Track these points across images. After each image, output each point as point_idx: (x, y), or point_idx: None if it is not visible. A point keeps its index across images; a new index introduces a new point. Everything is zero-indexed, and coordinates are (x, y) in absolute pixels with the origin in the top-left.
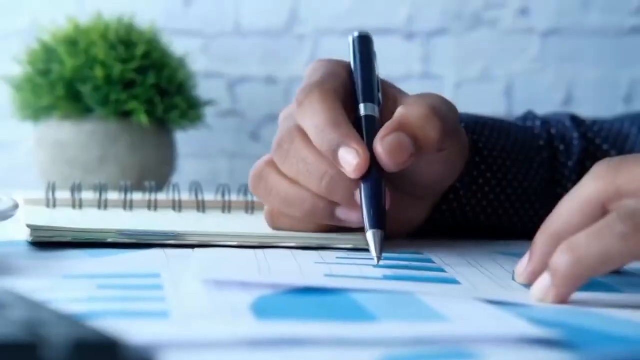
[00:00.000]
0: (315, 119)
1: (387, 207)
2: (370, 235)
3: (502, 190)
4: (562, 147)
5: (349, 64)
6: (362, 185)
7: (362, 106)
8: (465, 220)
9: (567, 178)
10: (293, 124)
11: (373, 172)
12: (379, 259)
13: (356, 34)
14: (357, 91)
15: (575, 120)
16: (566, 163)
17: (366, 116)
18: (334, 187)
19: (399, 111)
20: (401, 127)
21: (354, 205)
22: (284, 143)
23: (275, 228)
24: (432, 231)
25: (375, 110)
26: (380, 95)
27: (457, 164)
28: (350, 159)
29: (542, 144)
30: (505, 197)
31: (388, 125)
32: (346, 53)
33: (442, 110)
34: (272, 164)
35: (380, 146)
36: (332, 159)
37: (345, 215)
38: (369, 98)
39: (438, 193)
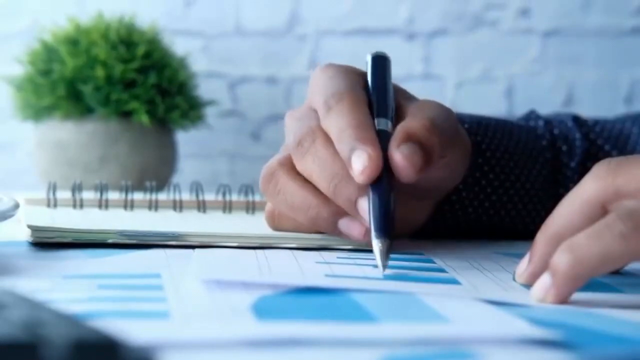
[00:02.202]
0: (341, 122)
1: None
2: (375, 244)
3: (504, 191)
4: (564, 147)
5: (363, 73)
6: (372, 193)
7: (375, 121)
8: (467, 221)
9: (569, 178)
10: (315, 124)
11: (384, 181)
12: (385, 267)
13: (374, 53)
14: (373, 105)
15: (578, 120)
16: (568, 164)
17: (379, 130)
18: (340, 190)
19: (402, 125)
20: (410, 139)
21: (355, 212)
22: (304, 141)
23: (275, 229)
24: (434, 232)
25: (388, 126)
26: (393, 113)
27: (459, 168)
28: (359, 163)
29: (544, 145)
30: (508, 198)
31: (396, 137)
32: (347, 53)
33: (440, 121)
34: (285, 164)
35: (399, 153)
36: (347, 162)
37: (346, 227)
38: (382, 113)
39: (440, 195)
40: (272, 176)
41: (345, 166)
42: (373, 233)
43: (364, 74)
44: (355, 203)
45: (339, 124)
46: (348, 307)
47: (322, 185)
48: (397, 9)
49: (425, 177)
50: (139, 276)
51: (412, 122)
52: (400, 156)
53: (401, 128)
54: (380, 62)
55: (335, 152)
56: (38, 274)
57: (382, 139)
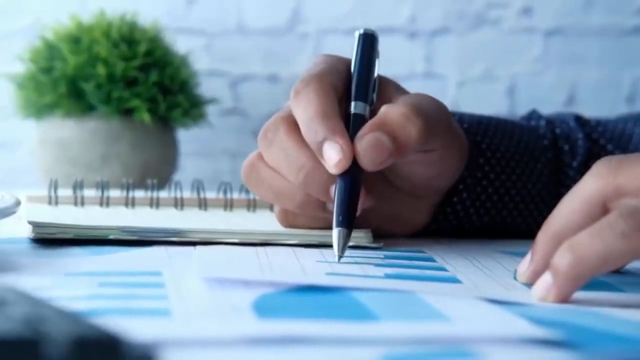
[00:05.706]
0: (308, 109)
1: (364, 205)
2: (335, 233)
3: (506, 191)
4: (566, 147)
5: (350, 61)
6: (338, 181)
7: (352, 104)
8: (469, 221)
9: (571, 178)
10: (279, 114)
11: (352, 170)
12: (340, 257)
13: (362, 30)
14: (351, 88)
15: (580, 120)
16: (571, 163)
17: (355, 114)
18: (310, 180)
19: (381, 110)
20: (380, 126)
21: (328, 199)
22: (268, 132)
23: (289, 226)
24: (437, 233)
25: (366, 110)
26: (374, 95)
27: (454, 165)
28: (333, 155)
29: (546, 144)
30: (509, 198)
31: (368, 124)
32: (349, 52)
33: (425, 109)
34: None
35: (358, 145)
36: (317, 151)
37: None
38: (361, 96)
39: (438, 193)
40: (253, 168)
41: (312, 155)
42: (334, 221)
43: (349, 61)
44: (327, 191)
45: (306, 112)
46: (349, 306)
47: (291, 175)
48: (398, 8)
49: (418, 174)
50: (140, 274)
51: (391, 109)
52: (359, 148)
53: (378, 115)
54: (368, 41)
55: (300, 140)
56: (39, 271)
57: (356, 124)
